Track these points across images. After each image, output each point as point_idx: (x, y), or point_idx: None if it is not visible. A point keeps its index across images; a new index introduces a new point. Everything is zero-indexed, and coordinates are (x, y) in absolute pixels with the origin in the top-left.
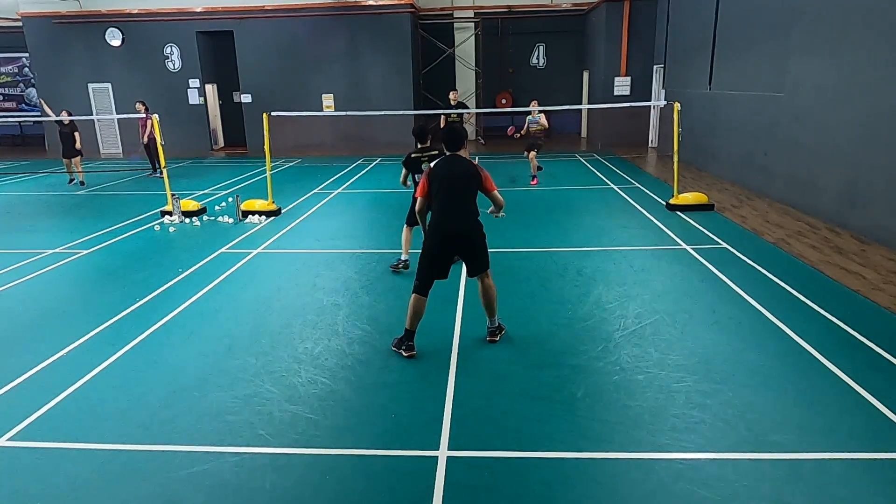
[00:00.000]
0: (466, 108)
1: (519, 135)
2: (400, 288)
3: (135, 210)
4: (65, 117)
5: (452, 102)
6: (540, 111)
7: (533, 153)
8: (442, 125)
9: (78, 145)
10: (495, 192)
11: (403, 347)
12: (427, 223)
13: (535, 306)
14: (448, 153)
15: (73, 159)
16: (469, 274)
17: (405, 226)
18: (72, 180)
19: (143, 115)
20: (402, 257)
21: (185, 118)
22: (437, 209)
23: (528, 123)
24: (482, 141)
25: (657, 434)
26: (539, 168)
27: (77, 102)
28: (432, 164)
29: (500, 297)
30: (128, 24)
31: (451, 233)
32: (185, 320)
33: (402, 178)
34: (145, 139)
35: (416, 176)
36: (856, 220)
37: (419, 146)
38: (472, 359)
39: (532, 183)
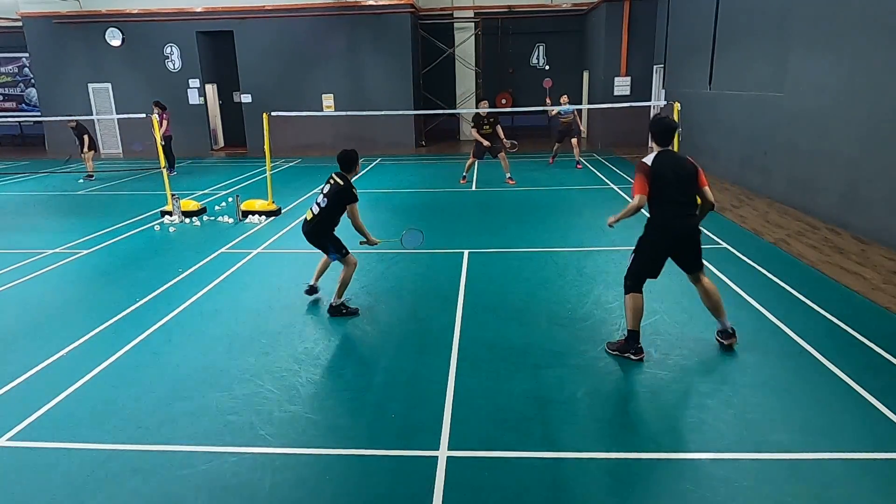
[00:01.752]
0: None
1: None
2: (400, 289)
3: (135, 210)
4: (71, 118)
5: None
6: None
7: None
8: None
9: (86, 146)
10: (707, 188)
11: (632, 351)
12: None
13: (535, 306)
14: (661, 148)
15: (83, 154)
16: (688, 272)
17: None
18: (91, 175)
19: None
20: (312, 282)
21: (185, 118)
22: (661, 207)
23: (562, 114)
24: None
25: (657, 434)
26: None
27: (77, 102)
28: (650, 162)
29: (501, 297)
30: (128, 24)
31: (681, 232)
32: (185, 320)
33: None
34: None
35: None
36: (856, 220)
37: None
38: (472, 358)
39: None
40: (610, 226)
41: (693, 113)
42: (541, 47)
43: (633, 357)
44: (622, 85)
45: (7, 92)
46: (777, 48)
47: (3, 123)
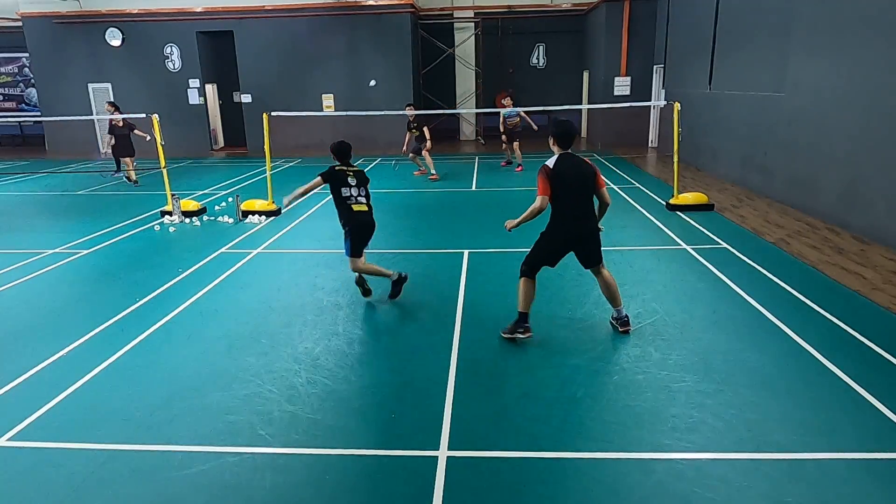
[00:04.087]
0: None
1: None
2: None
3: (135, 210)
4: (118, 116)
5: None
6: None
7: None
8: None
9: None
10: (604, 189)
11: (520, 330)
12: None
13: (536, 306)
14: (562, 151)
15: (128, 158)
16: (585, 266)
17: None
18: (129, 178)
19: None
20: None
21: (185, 118)
22: (561, 209)
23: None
24: (482, 141)
25: (657, 434)
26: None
27: (77, 102)
28: (552, 165)
29: (501, 298)
30: (128, 24)
31: (577, 234)
32: (185, 320)
33: (309, 187)
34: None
35: (342, 189)
36: (856, 220)
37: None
38: (473, 358)
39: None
40: (509, 230)
41: (693, 113)
42: (541, 47)
43: (521, 335)
44: (622, 85)
45: (7, 92)
46: (777, 48)
47: (3, 123)
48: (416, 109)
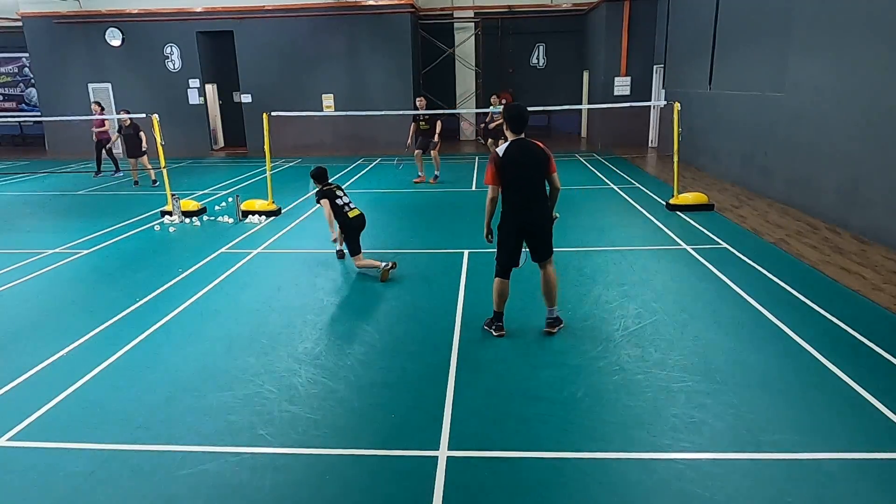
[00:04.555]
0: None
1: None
2: (400, 289)
3: (135, 210)
4: (124, 117)
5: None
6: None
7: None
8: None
9: (144, 146)
10: (555, 174)
11: (493, 327)
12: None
13: (536, 306)
14: (514, 136)
15: (138, 159)
16: (535, 259)
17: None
18: (136, 182)
19: (99, 116)
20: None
21: (185, 118)
22: (511, 197)
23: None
24: (482, 141)
25: (657, 434)
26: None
27: (77, 102)
28: (501, 153)
29: None
30: (128, 24)
31: (526, 221)
32: (184, 320)
33: (327, 214)
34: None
35: (337, 201)
36: (856, 220)
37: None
38: (472, 359)
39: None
40: (489, 241)
41: (693, 113)
42: (541, 47)
43: (493, 333)
44: (622, 85)
45: (7, 92)
46: (777, 48)
47: (3, 123)
48: (427, 104)
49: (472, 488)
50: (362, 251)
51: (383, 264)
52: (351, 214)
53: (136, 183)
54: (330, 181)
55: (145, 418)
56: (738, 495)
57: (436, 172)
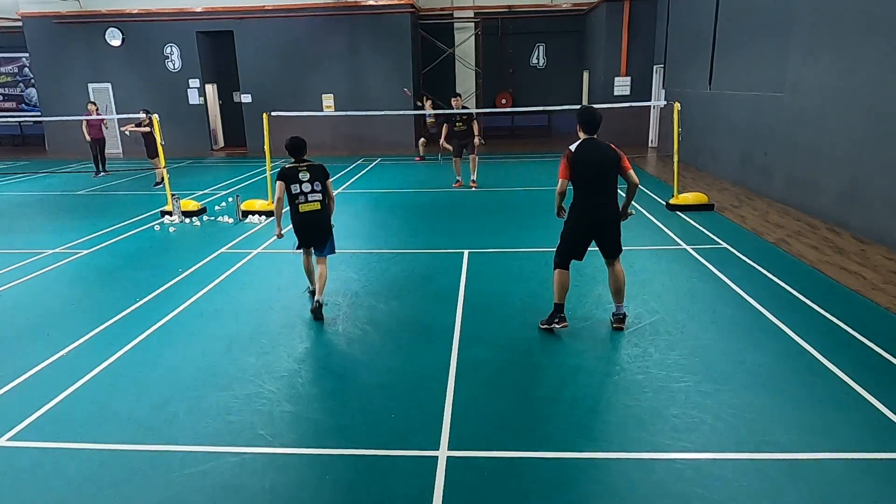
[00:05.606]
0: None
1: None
2: (400, 289)
3: (135, 210)
4: (143, 117)
5: (456, 107)
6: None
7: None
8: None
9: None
10: (631, 171)
11: (556, 320)
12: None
13: (536, 306)
14: (586, 136)
15: (154, 159)
16: (605, 256)
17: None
18: (157, 182)
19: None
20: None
21: (185, 118)
22: (581, 194)
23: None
24: (482, 141)
25: (657, 434)
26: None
27: (77, 102)
28: (574, 149)
29: (501, 297)
30: (128, 24)
31: (596, 219)
32: (184, 320)
33: (278, 194)
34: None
35: (292, 187)
36: (856, 220)
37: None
38: (472, 359)
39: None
40: (559, 216)
41: (693, 113)
42: (541, 47)
43: (557, 325)
44: (622, 85)
45: (7, 92)
46: (777, 48)
47: (3, 123)
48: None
49: (472, 488)
50: (320, 255)
51: (311, 287)
52: (302, 208)
53: (157, 183)
54: (306, 158)
55: (145, 418)
56: (738, 495)
57: (472, 176)
